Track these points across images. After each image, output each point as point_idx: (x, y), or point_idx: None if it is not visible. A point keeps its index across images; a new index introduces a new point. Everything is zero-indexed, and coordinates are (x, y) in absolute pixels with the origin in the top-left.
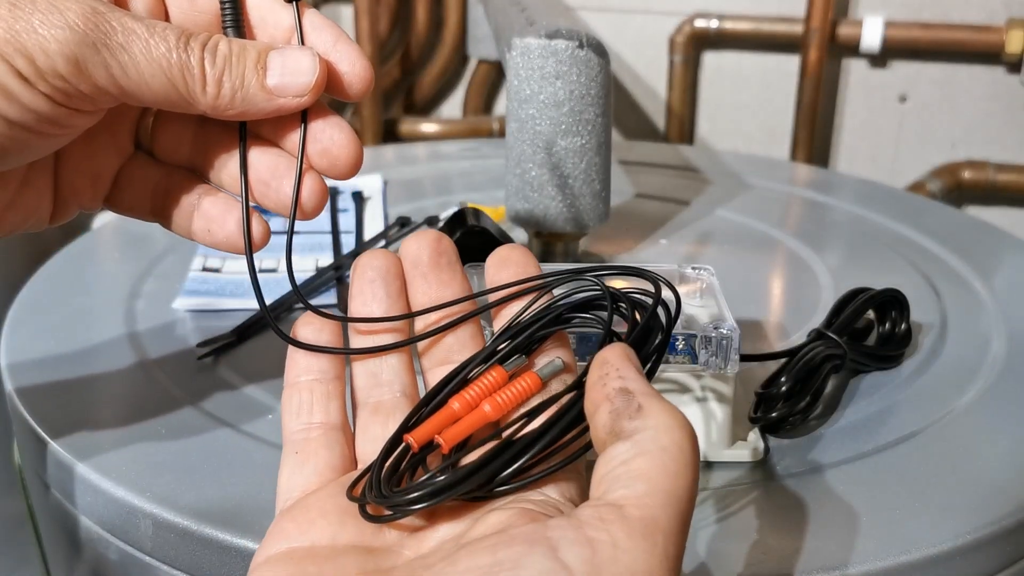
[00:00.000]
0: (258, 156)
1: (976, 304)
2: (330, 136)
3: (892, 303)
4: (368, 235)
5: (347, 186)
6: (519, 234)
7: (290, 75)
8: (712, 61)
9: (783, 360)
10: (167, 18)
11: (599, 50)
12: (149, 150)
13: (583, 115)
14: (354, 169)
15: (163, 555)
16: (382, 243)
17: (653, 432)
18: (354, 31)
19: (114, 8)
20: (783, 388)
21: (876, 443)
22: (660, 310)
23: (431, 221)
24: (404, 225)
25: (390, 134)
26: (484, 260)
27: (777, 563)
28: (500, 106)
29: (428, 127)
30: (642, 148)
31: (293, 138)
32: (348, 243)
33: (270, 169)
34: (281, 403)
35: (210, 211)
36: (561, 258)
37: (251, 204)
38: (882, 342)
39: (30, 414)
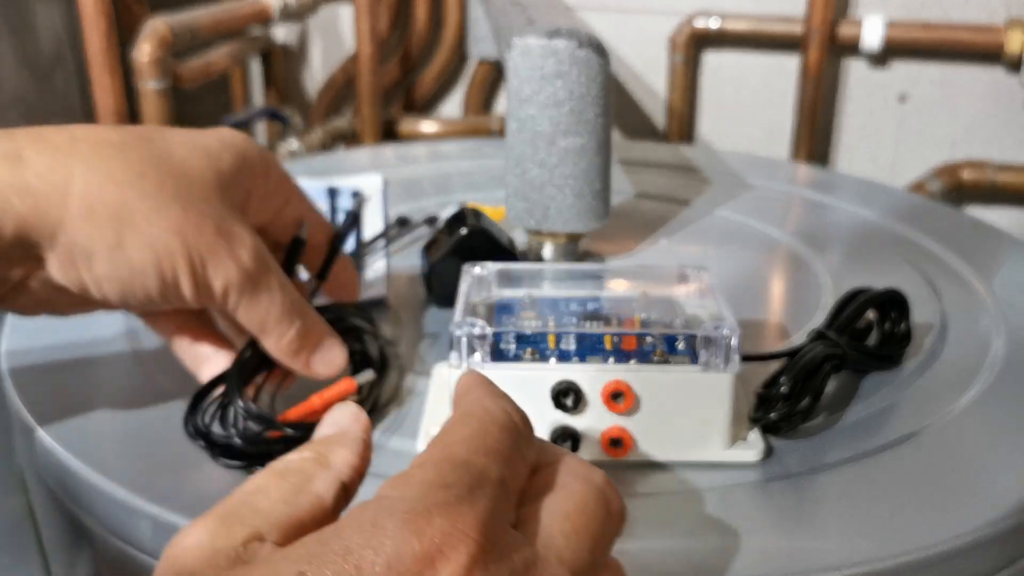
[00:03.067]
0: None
1: (976, 304)
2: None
3: (892, 303)
4: (368, 235)
5: (346, 186)
6: (519, 234)
7: (324, 364)
8: (712, 61)
9: (783, 360)
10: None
11: (599, 50)
12: None
13: (583, 115)
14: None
15: None
16: (383, 243)
17: None
18: (354, 31)
19: (273, 263)
20: (783, 388)
21: (876, 443)
22: None
23: (431, 221)
24: (404, 225)
25: (390, 134)
26: (484, 260)
27: (777, 563)
28: (500, 106)
29: (428, 127)
30: (642, 148)
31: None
32: (347, 243)
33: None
34: None
35: (207, 351)
36: (561, 258)
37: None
38: (882, 342)
39: (30, 413)
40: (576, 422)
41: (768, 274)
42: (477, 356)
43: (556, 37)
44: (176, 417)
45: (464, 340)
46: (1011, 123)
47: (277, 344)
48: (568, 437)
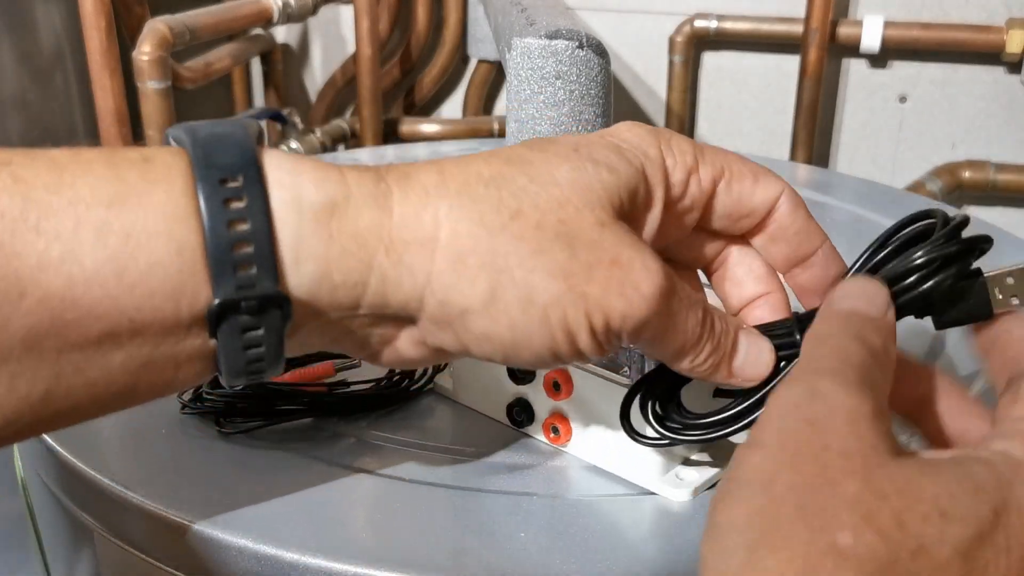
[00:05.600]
0: None
1: None
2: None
3: None
4: None
5: None
6: None
7: (751, 366)
8: (712, 61)
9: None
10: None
11: (599, 50)
12: None
13: (583, 115)
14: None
15: (163, 555)
16: None
17: None
18: (354, 31)
19: (675, 279)
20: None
21: None
22: None
23: None
24: None
25: (390, 134)
26: None
27: None
28: (500, 106)
29: (428, 127)
30: None
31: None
32: None
33: None
34: None
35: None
36: None
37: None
38: None
39: None
40: (531, 398)
41: None
42: None
43: (556, 37)
44: (176, 416)
45: None
46: (1011, 123)
47: (691, 368)
48: (523, 409)
